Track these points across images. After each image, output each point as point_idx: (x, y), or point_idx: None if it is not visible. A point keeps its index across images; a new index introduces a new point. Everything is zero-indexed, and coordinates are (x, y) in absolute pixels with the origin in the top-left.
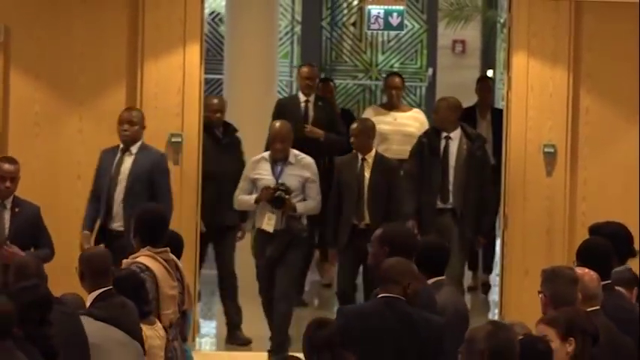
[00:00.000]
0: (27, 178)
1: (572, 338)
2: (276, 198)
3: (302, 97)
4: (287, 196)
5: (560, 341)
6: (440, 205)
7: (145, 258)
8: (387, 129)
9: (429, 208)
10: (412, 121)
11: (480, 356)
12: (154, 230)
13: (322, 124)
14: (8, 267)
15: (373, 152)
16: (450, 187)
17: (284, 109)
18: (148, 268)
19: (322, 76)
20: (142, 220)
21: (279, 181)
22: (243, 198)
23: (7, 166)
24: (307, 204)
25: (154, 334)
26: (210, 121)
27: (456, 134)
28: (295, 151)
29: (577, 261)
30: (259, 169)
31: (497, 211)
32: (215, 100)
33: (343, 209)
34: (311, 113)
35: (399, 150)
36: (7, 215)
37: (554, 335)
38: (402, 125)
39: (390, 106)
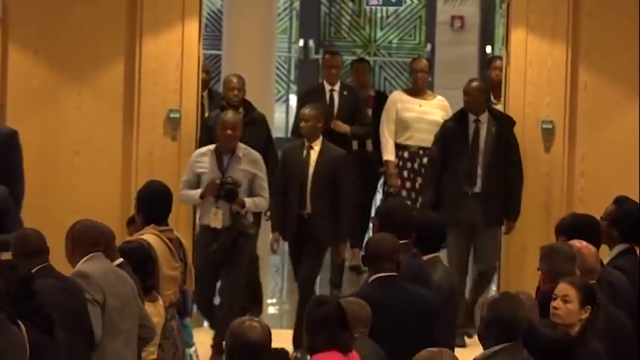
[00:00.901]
0: (25, 153)
1: (589, 307)
2: (228, 191)
3: (327, 87)
4: (237, 190)
5: (578, 305)
6: (467, 190)
7: (149, 236)
8: (411, 116)
9: (455, 195)
10: (438, 109)
11: (482, 322)
12: (159, 208)
13: (347, 114)
14: None
15: (320, 140)
16: (479, 172)
17: (308, 98)
18: (150, 247)
19: (322, 52)
20: (146, 198)
21: (227, 175)
22: (188, 193)
23: None
24: (257, 200)
25: (154, 311)
26: (229, 99)
27: (484, 117)
28: (243, 145)
29: (561, 236)
30: (203, 163)
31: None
32: (234, 79)
33: (288, 198)
34: (336, 103)
35: (422, 138)
36: None
37: (575, 297)
38: (427, 113)
39: (416, 91)
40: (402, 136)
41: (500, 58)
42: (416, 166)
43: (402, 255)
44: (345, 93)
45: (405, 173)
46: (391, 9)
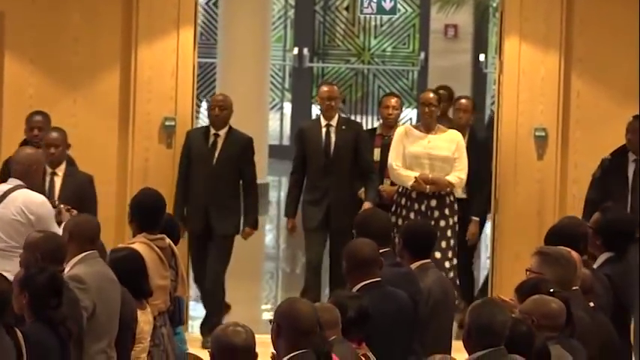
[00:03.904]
0: None
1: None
2: None
3: (323, 122)
4: None
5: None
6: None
7: (139, 245)
8: (418, 151)
9: None
10: (447, 143)
11: (465, 328)
12: (151, 216)
13: (346, 150)
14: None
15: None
16: None
17: (304, 135)
18: (139, 256)
19: (317, 61)
20: (139, 206)
21: None
22: None
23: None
24: None
25: (144, 318)
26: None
27: None
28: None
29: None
30: None
31: None
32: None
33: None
34: (333, 139)
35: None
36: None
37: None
38: (435, 148)
39: (424, 126)
40: (410, 181)
41: (465, 97)
42: (422, 207)
43: (390, 259)
44: (344, 128)
45: (412, 215)
46: (385, 17)
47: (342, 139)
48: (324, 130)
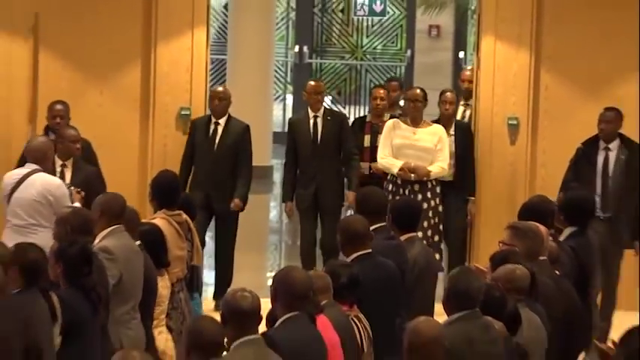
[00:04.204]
0: None
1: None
2: None
3: (311, 113)
4: None
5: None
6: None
7: (159, 220)
8: (404, 143)
9: None
10: (429, 136)
11: (444, 294)
12: (169, 195)
13: (331, 139)
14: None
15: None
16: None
17: (294, 126)
18: (159, 230)
19: (315, 57)
20: (158, 186)
21: None
22: None
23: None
24: None
25: (162, 284)
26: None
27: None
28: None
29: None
30: None
31: None
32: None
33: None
34: (320, 129)
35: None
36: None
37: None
38: (419, 140)
39: (411, 120)
40: (397, 168)
41: (450, 90)
42: (407, 192)
43: (378, 236)
44: (329, 118)
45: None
46: (376, 19)
47: (328, 129)
48: (311, 120)
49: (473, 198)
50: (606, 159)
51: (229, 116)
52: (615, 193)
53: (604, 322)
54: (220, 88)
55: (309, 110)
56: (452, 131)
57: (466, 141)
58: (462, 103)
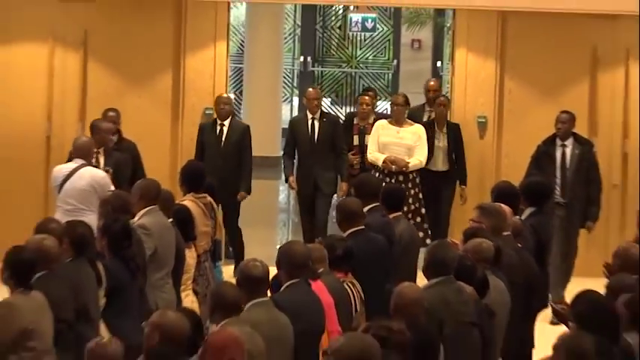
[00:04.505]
0: None
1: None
2: None
3: (309, 115)
4: None
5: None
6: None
7: (188, 202)
8: (389, 141)
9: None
10: (411, 134)
11: (424, 263)
12: (195, 181)
13: (326, 138)
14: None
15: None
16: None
17: (295, 126)
18: (188, 210)
19: (317, 66)
20: (186, 174)
21: None
22: None
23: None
24: None
25: (190, 255)
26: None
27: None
28: None
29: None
30: None
31: None
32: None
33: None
34: (316, 129)
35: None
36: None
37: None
38: (402, 138)
39: (395, 121)
40: (382, 161)
41: (443, 96)
42: (393, 181)
43: (374, 214)
44: (324, 120)
45: None
46: (367, 34)
47: (324, 129)
48: (309, 122)
49: (464, 186)
50: (563, 154)
51: (232, 118)
52: (572, 182)
53: (561, 288)
54: (225, 95)
55: (308, 113)
56: (445, 129)
57: (457, 138)
58: (427, 109)
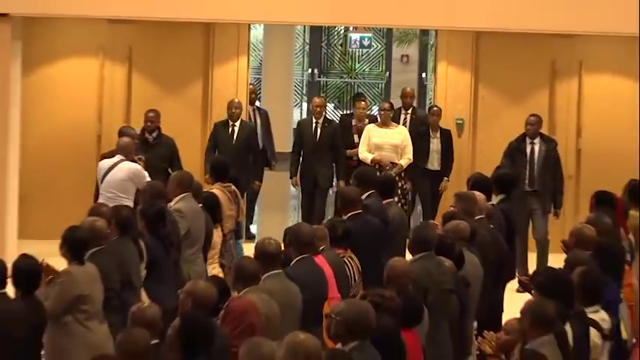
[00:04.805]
0: None
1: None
2: None
3: (314, 120)
4: None
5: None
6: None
7: (215, 190)
8: (379, 141)
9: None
10: (397, 135)
11: (409, 241)
12: (222, 172)
13: (327, 140)
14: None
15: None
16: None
17: (301, 128)
18: (216, 197)
19: (322, 77)
20: (213, 167)
21: None
22: None
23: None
24: None
25: (217, 234)
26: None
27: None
28: None
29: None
30: None
31: None
32: (235, 100)
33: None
34: (319, 131)
35: (386, 155)
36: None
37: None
38: (390, 138)
39: (382, 124)
40: (373, 154)
41: (436, 106)
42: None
43: (372, 200)
44: (326, 125)
45: None
46: (364, 50)
47: (325, 132)
48: (314, 125)
49: (446, 178)
50: (532, 151)
51: (241, 120)
52: (539, 174)
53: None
54: (236, 100)
55: (313, 117)
56: (438, 134)
57: (448, 142)
58: (403, 112)
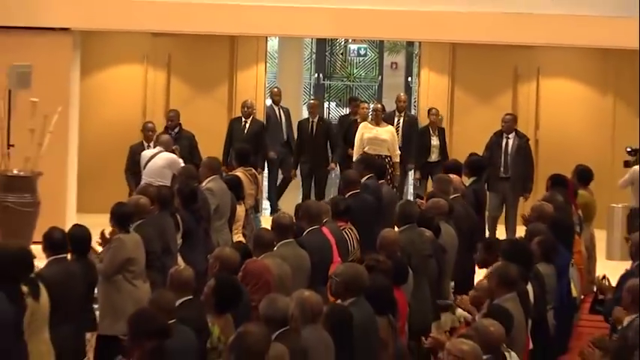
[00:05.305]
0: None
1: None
2: None
3: (310, 119)
4: None
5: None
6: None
7: (239, 172)
8: (370, 137)
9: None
10: (386, 132)
11: (395, 215)
12: (244, 158)
13: (322, 135)
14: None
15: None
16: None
17: (301, 125)
18: (239, 179)
19: (326, 80)
20: (237, 153)
21: None
22: None
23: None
24: None
25: (240, 209)
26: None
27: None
28: None
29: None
30: None
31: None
32: (248, 101)
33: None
34: (315, 129)
35: (376, 150)
36: None
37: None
38: (380, 135)
39: (374, 122)
40: (366, 148)
41: (434, 108)
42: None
43: (371, 181)
44: (321, 123)
45: None
46: (361, 58)
47: (320, 129)
48: (310, 123)
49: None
50: (507, 144)
51: (253, 117)
52: (512, 164)
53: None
54: (249, 101)
55: (309, 117)
56: (436, 133)
57: (444, 139)
58: (397, 114)
